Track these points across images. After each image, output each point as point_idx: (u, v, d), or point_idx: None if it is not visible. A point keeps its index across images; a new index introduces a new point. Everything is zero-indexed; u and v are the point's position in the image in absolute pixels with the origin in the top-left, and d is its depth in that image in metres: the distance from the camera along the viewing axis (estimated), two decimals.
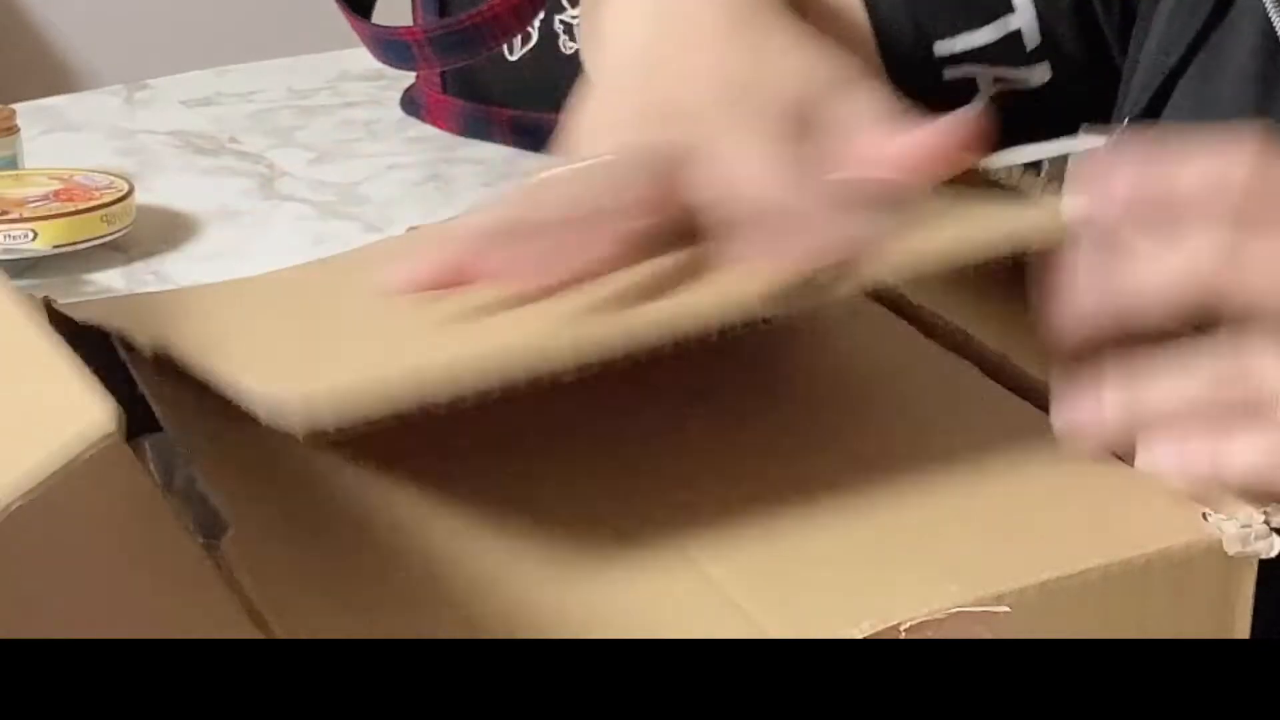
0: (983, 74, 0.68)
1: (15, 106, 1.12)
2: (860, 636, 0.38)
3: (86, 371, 0.37)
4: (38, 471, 0.33)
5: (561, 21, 1.18)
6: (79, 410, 0.35)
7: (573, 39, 1.17)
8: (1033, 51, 0.67)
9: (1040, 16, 0.67)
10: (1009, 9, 0.67)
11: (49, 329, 0.41)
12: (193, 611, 0.37)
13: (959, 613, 0.39)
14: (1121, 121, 0.66)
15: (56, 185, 1.02)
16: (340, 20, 1.17)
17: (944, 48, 0.67)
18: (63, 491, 0.33)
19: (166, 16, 2.21)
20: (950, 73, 0.68)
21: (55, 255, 0.97)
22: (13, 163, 1.08)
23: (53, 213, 0.97)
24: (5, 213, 0.97)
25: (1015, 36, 0.67)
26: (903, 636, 0.39)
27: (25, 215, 0.97)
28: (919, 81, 0.64)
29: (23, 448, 0.35)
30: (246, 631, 0.38)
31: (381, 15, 1.18)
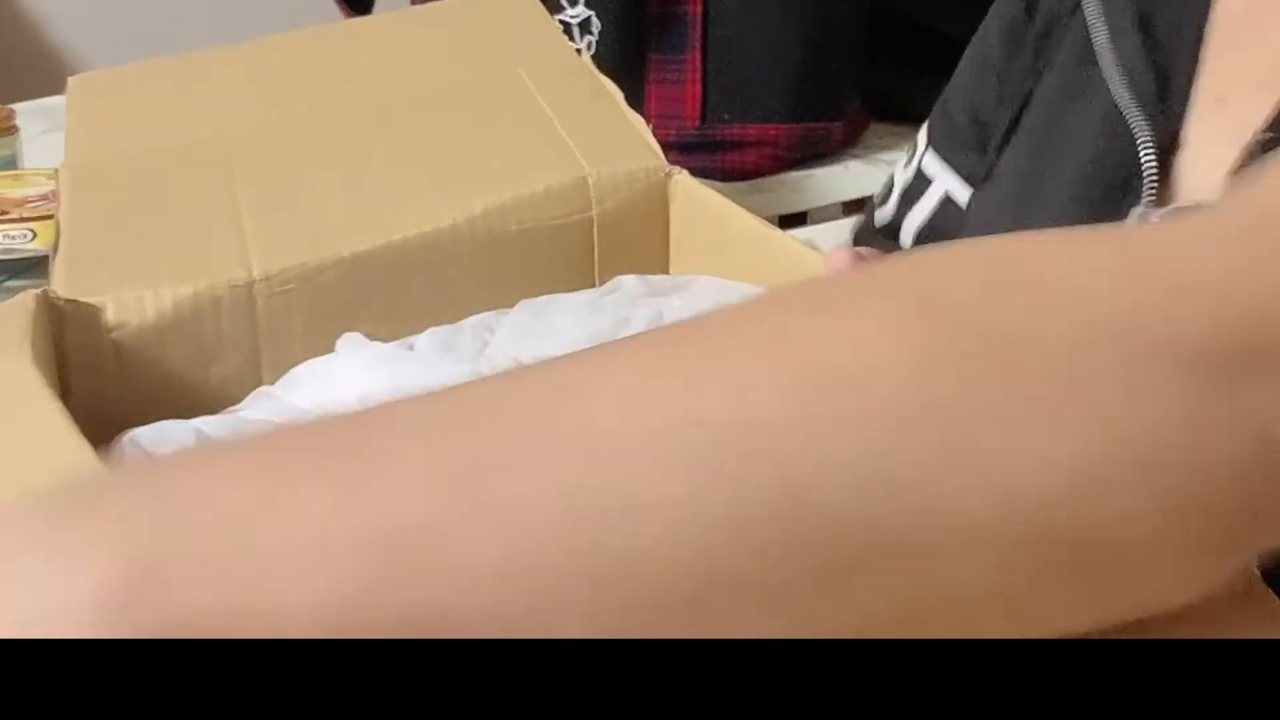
0: None
1: (15, 106, 1.12)
2: None
3: None
4: None
5: (561, 21, 1.18)
6: None
7: (572, 39, 1.17)
8: None
9: None
10: None
11: None
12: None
13: None
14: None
15: (56, 185, 1.02)
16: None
17: None
18: None
19: (166, 17, 2.22)
20: None
21: None
22: (13, 163, 1.08)
23: (52, 213, 0.97)
24: (5, 213, 0.97)
25: None
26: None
27: (25, 215, 0.97)
28: None
29: None
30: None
31: None
